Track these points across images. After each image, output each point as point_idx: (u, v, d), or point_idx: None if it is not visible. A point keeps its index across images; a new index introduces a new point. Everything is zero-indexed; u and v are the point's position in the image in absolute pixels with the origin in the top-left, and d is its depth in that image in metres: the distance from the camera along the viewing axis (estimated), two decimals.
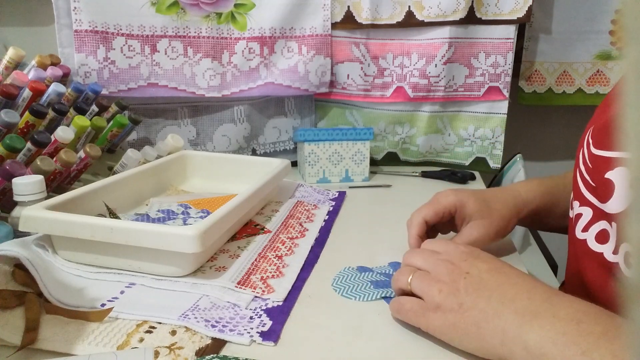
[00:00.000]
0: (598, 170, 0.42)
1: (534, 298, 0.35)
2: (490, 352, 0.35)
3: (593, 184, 0.42)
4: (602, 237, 0.41)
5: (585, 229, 0.43)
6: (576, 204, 0.45)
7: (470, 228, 0.53)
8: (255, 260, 0.52)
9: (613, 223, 0.40)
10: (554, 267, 1.01)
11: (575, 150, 0.60)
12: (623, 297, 0.12)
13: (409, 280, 0.41)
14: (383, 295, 0.46)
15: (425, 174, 0.92)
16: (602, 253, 0.40)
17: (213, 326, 0.40)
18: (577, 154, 0.47)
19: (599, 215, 0.41)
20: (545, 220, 0.59)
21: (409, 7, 0.88)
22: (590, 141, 0.44)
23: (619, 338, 0.30)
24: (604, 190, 0.40)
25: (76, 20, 0.78)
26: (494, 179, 1.00)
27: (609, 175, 0.40)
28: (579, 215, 0.44)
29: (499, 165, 0.97)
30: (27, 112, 0.62)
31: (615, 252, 0.39)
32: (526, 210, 0.55)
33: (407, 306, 0.40)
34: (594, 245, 0.42)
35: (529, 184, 0.58)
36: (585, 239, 0.43)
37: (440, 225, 0.56)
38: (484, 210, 0.53)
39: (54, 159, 0.59)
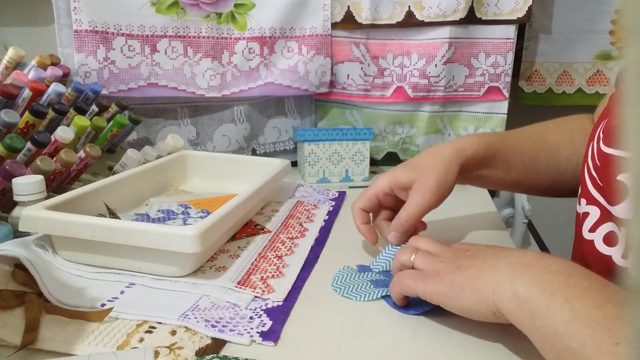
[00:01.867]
0: (607, 169, 0.41)
1: (527, 255, 0.37)
2: (483, 304, 0.36)
3: (600, 183, 0.42)
4: (610, 239, 0.40)
5: (593, 230, 0.42)
6: (583, 201, 0.44)
7: (411, 194, 0.52)
8: (255, 260, 0.52)
9: (621, 227, 0.39)
10: None
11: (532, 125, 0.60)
12: (623, 297, 0.12)
13: (412, 258, 0.43)
14: (383, 295, 0.46)
15: None
16: (611, 256, 0.40)
17: (213, 326, 0.40)
18: (587, 147, 0.46)
19: (606, 216, 0.41)
20: (486, 172, 0.57)
21: (409, 7, 0.87)
22: (601, 136, 0.43)
23: (603, 293, 0.31)
24: (612, 191, 0.40)
25: (76, 20, 0.78)
26: None
27: (620, 177, 0.39)
28: (585, 214, 0.43)
29: None
30: (27, 112, 0.62)
31: (624, 256, 0.39)
32: (462, 157, 0.53)
33: (406, 275, 0.42)
34: (602, 248, 0.41)
35: (468, 135, 0.57)
36: (593, 240, 0.42)
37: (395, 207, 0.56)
38: (416, 172, 0.52)
39: (54, 159, 0.59)
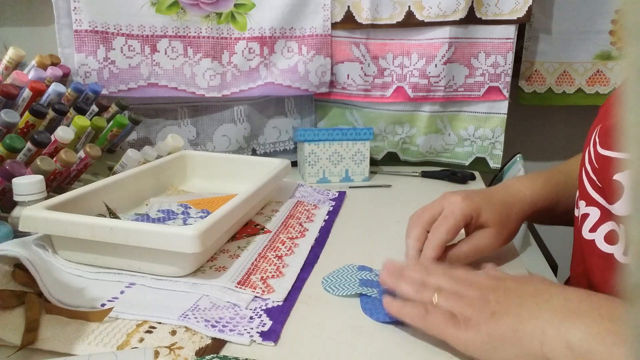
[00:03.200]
0: (605, 170, 0.41)
1: (571, 298, 0.34)
2: (529, 357, 0.33)
3: (600, 184, 0.42)
4: (611, 238, 0.40)
5: (594, 229, 0.42)
6: (582, 203, 0.45)
7: (481, 235, 0.51)
8: (255, 260, 0.52)
9: (621, 225, 0.39)
10: (554, 267, 1.00)
11: (575, 149, 0.60)
12: (624, 297, 0.12)
13: (435, 301, 0.39)
14: (362, 292, 0.46)
15: (425, 174, 0.92)
16: (613, 254, 0.40)
17: (213, 326, 0.40)
18: (584, 153, 0.47)
19: (607, 215, 0.41)
20: (545, 216, 0.58)
21: (409, 7, 0.88)
22: (597, 140, 0.44)
23: None
24: (611, 191, 0.40)
25: (76, 20, 0.78)
26: (494, 179, 1.00)
27: (617, 177, 0.39)
28: (585, 215, 0.44)
29: (499, 165, 0.97)
30: (27, 112, 0.62)
31: (625, 253, 0.39)
32: (530, 212, 0.54)
33: (435, 317, 0.38)
34: (603, 246, 0.41)
35: (534, 184, 0.56)
36: (594, 240, 0.42)
37: None
38: (497, 219, 0.51)
39: (54, 159, 0.59)
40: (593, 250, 0.42)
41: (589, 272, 0.43)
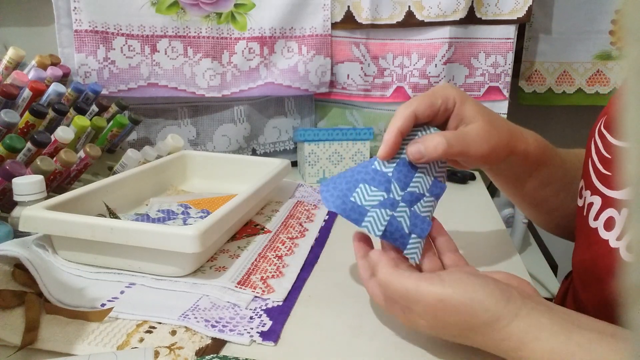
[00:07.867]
0: (617, 159, 0.41)
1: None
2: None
3: (608, 172, 0.42)
4: (609, 224, 0.41)
5: (596, 218, 0.43)
6: (587, 192, 0.45)
7: (468, 127, 0.43)
8: (255, 260, 0.52)
9: (617, 210, 0.40)
10: (554, 267, 1.01)
11: (576, 148, 0.59)
12: (623, 297, 0.12)
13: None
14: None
15: None
16: (608, 240, 0.40)
17: (213, 326, 0.40)
18: (589, 144, 0.46)
19: (607, 203, 0.42)
20: (529, 179, 0.52)
21: (409, 7, 0.88)
22: (604, 132, 0.43)
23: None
24: (618, 179, 0.40)
25: (76, 20, 0.78)
26: None
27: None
28: (590, 205, 0.44)
29: None
30: (27, 112, 0.62)
31: (619, 238, 0.39)
32: (520, 147, 0.47)
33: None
34: (603, 233, 0.41)
35: (535, 136, 0.49)
36: (597, 228, 0.43)
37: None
38: (486, 116, 0.43)
39: (54, 159, 0.59)
40: (595, 239, 0.42)
41: (595, 260, 0.43)
